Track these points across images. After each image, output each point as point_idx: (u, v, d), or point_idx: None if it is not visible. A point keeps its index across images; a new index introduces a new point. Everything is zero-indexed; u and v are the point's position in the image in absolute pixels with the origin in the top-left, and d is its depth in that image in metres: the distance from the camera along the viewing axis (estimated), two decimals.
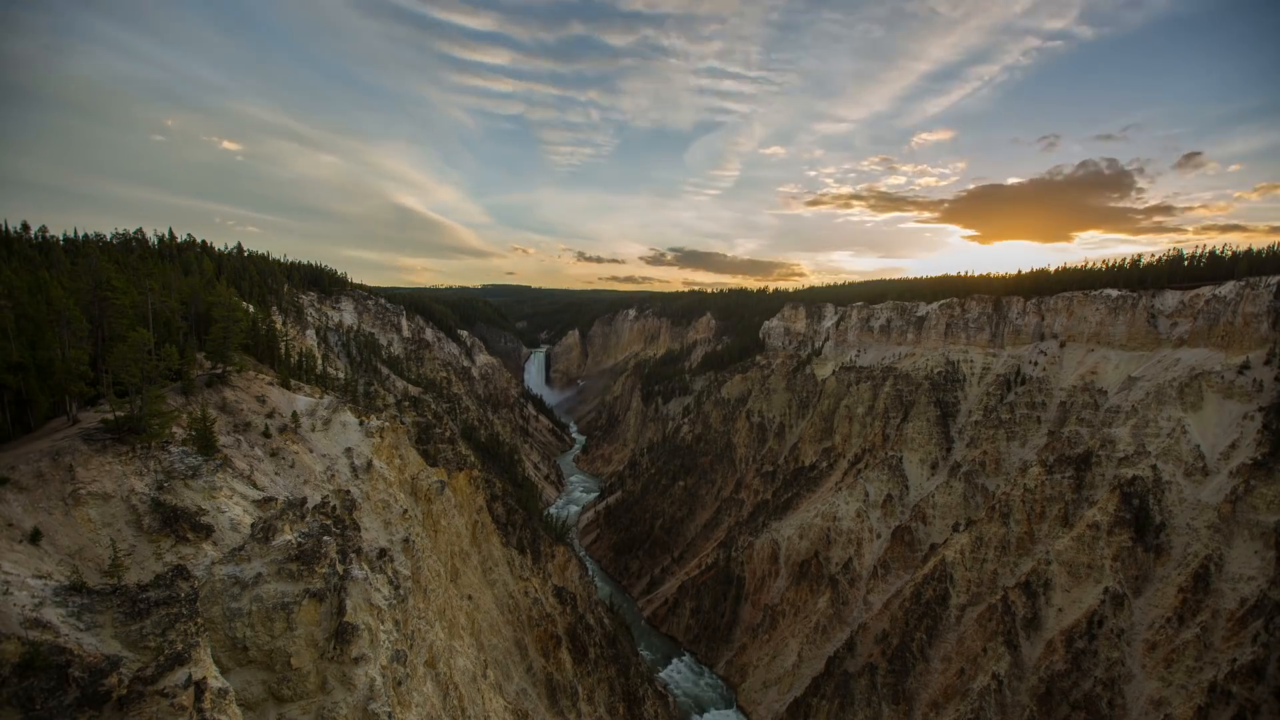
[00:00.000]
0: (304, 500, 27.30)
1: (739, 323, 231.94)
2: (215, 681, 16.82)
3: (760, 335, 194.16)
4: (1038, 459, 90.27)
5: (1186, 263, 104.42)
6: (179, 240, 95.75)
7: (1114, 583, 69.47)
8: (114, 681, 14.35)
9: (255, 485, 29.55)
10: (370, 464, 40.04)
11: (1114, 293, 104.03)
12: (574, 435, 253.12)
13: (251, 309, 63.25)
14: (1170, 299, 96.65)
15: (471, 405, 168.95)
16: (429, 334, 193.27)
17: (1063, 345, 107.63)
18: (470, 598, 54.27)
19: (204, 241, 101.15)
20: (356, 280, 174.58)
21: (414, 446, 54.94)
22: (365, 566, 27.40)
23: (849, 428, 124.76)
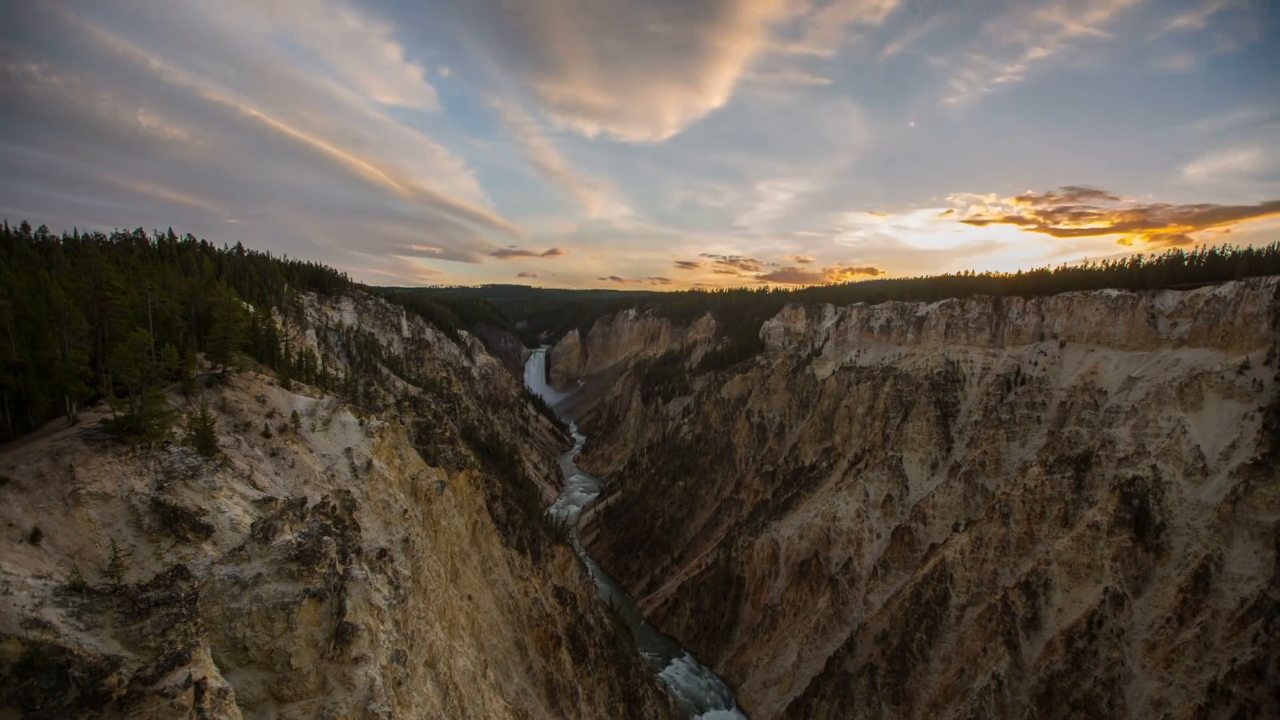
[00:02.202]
0: (304, 500, 27.29)
1: (739, 323, 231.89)
2: (215, 681, 16.82)
3: (760, 335, 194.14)
4: (1038, 459, 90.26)
5: (1186, 263, 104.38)
6: (179, 240, 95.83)
7: (1114, 583, 69.47)
8: (114, 681, 14.35)
9: (255, 485, 29.55)
10: (370, 464, 40.04)
11: (1114, 293, 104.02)
12: (574, 435, 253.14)
13: (251, 309, 63.25)
14: (1170, 299, 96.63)
15: (471, 405, 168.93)
16: (429, 334, 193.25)
17: (1063, 345, 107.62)
18: (470, 598, 54.27)
19: (204, 241, 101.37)
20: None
21: (414, 446, 54.95)
22: (365, 566, 27.40)
23: (849, 428, 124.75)
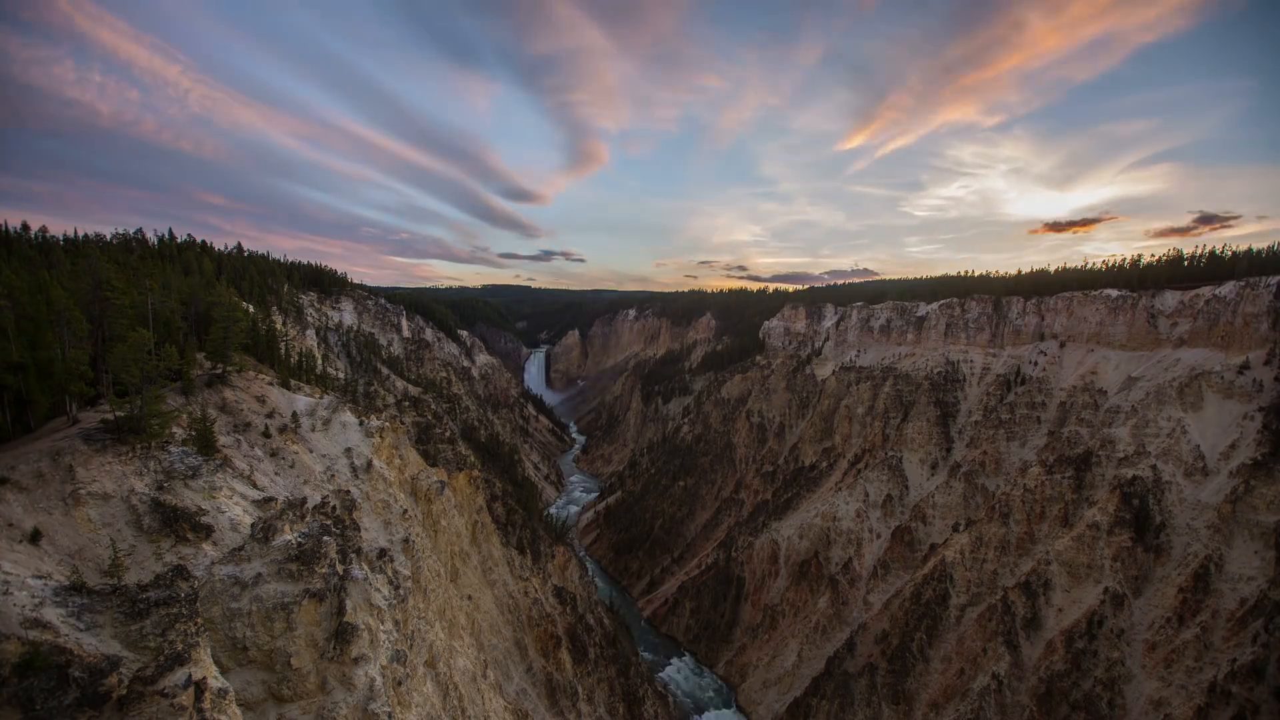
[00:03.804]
0: (304, 500, 27.28)
1: (739, 323, 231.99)
2: (215, 681, 16.81)
3: (760, 335, 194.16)
4: (1038, 459, 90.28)
5: (1186, 263, 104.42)
6: (179, 240, 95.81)
7: (1114, 583, 69.47)
8: (114, 681, 14.34)
9: (255, 485, 29.54)
10: (370, 464, 40.04)
11: (1114, 293, 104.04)
12: (574, 435, 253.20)
13: (251, 309, 63.33)
14: (1170, 299, 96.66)
15: (471, 405, 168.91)
16: (429, 334, 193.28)
17: (1063, 345, 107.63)
18: (470, 598, 54.28)
19: (204, 241, 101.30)
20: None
21: (414, 446, 54.95)
22: (365, 566, 27.39)
23: (849, 428, 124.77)
